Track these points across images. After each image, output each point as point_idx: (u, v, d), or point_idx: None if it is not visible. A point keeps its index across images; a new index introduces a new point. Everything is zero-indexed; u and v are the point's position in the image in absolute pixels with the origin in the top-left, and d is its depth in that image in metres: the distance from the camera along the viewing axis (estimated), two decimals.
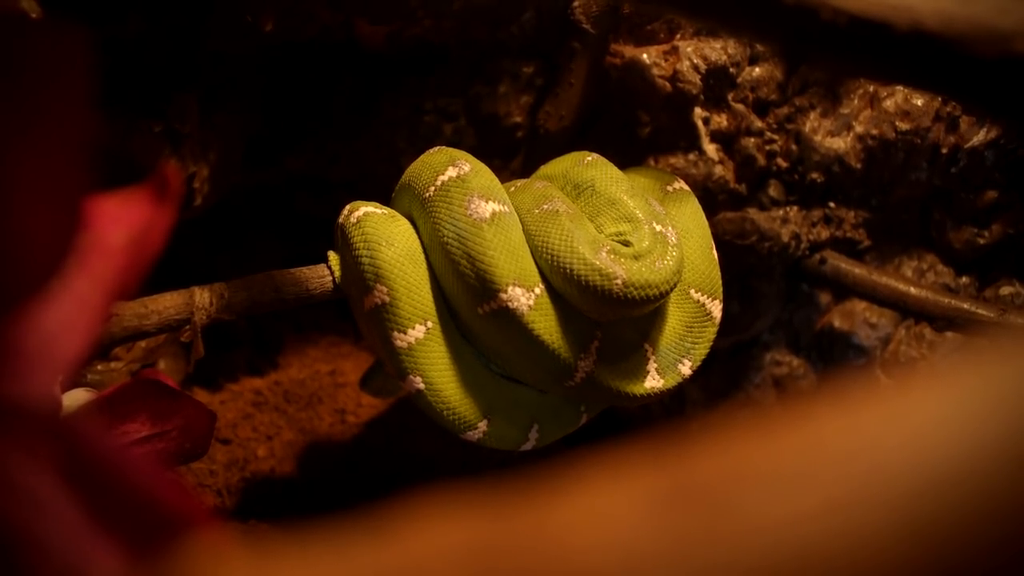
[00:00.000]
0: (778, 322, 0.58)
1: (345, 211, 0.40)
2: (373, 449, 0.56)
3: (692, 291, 0.42)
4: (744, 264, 0.52)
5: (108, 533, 0.16)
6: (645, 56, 0.49)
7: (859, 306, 0.58)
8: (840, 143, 0.51)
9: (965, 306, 0.52)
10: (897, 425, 0.13)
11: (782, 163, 0.51)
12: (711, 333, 0.42)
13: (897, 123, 0.51)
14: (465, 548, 0.13)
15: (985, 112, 0.44)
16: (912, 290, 0.53)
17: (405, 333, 0.38)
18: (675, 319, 0.42)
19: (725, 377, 0.58)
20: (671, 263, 0.38)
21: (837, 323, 0.58)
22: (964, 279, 0.56)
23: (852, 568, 0.11)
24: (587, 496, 0.13)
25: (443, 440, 0.54)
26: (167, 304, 0.36)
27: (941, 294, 0.53)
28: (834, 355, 0.58)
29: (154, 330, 0.36)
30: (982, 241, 0.55)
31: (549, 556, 0.12)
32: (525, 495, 0.13)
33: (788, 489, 0.12)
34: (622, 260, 0.37)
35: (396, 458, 0.55)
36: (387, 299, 0.38)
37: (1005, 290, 0.55)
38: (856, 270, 0.54)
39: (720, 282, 0.43)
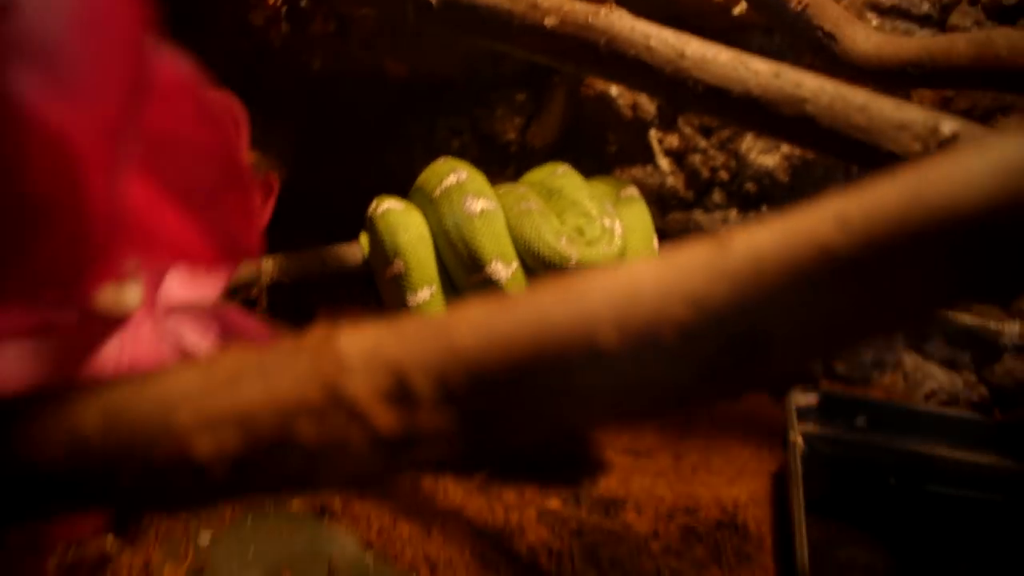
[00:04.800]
0: None
1: (373, 204, 0.53)
2: None
3: None
4: None
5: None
6: (612, 90, 0.62)
7: None
8: (770, 160, 0.64)
9: None
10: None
11: (723, 175, 0.64)
12: None
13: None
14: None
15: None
16: None
17: (416, 295, 0.51)
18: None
19: None
20: (614, 249, 0.51)
21: None
22: None
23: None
24: None
25: None
26: (241, 268, 0.50)
27: None
28: None
29: (231, 287, 0.50)
30: None
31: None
32: None
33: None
34: (577, 245, 0.50)
35: None
36: (403, 270, 0.51)
37: None
38: None
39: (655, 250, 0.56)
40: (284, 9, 0.52)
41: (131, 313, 0.27)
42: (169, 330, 0.28)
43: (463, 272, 0.51)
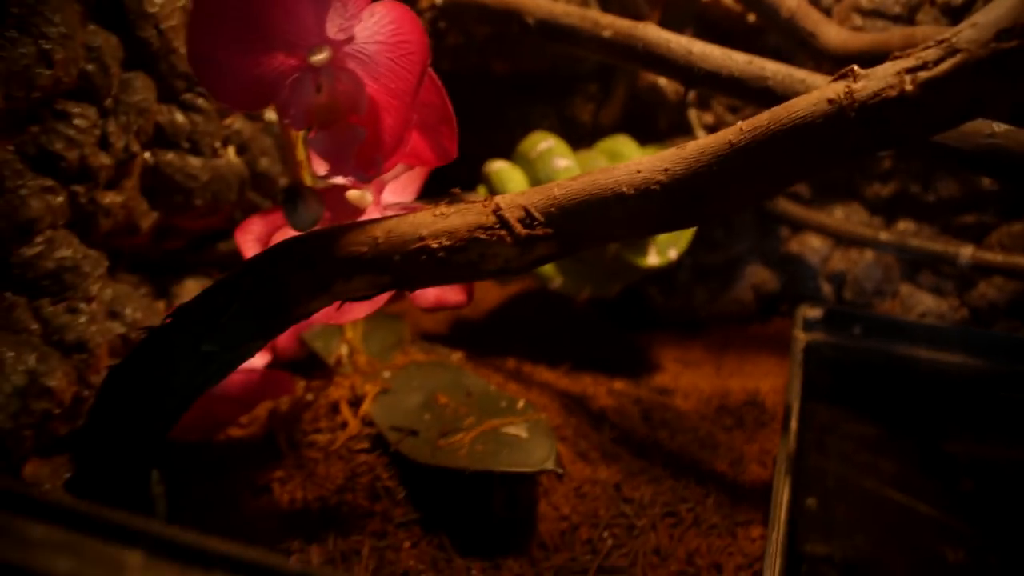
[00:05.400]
0: (754, 247, 0.89)
1: (487, 164, 0.75)
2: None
3: None
4: None
5: None
6: (661, 81, 0.82)
7: (809, 236, 0.88)
8: None
9: (876, 236, 0.82)
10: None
11: None
12: (688, 234, 0.75)
13: None
14: None
15: None
16: (841, 226, 0.84)
17: None
18: None
19: (720, 284, 0.90)
20: None
21: (794, 248, 0.89)
22: (876, 219, 0.86)
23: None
24: None
25: None
26: None
27: (860, 228, 0.83)
28: (791, 269, 0.89)
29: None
30: (884, 193, 0.85)
31: None
32: None
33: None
34: None
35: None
36: None
37: (902, 225, 0.85)
38: (800, 211, 0.85)
39: None
40: (429, 29, 0.74)
41: (367, 205, 0.49)
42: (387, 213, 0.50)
43: None
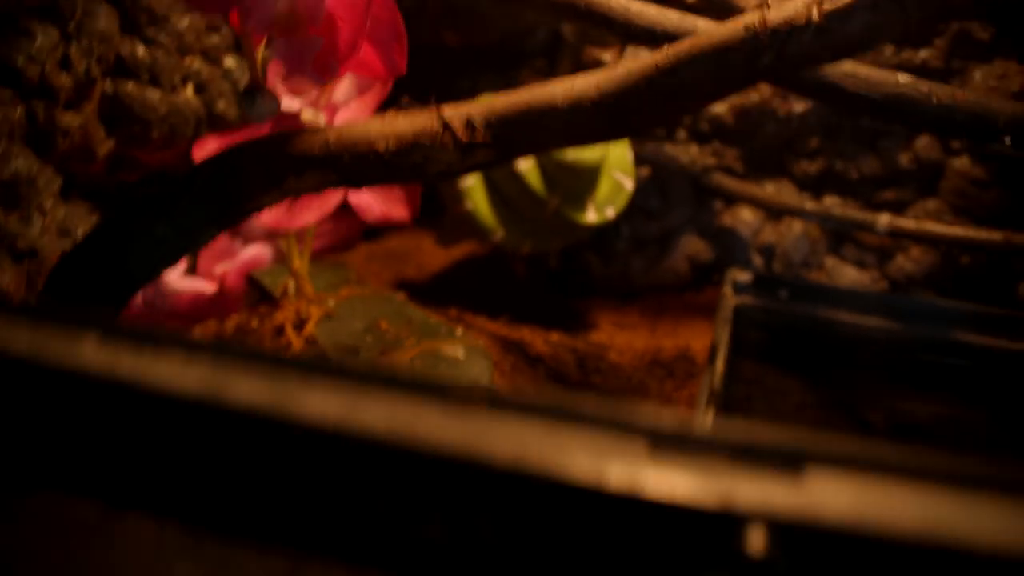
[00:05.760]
0: (691, 219, 0.93)
1: None
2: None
3: (615, 172, 0.79)
4: (662, 173, 0.89)
5: None
6: (606, 55, 0.86)
7: (742, 210, 0.93)
8: (719, 107, 0.88)
9: (803, 206, 0.87)
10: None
11: (686, 119, 0.88)
12: (626, 195, 0.79)
13: (751, 96, 0.87)
14: None
15: None
16: (771, 198, 0.89)
17: (465, 181, 0.76)
18: (605, 186, 0.79)
19: (657, 253, 0.94)
20: (599, 152, 0.75)
21: (728, 221, 0.94)
22: (804, 194, 0.91)
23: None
24: None
25: None
26: None
27: (789, 199, 0.88)
28: (724, 241, 0.93)
29: None
30: (811, 171, 0.90)
31: None
32: None
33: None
34: (574, 150, 0.75)
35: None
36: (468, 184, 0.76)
37: (828, 200, 0.90)
38: (734, 184, 0.90)
39: (632, 168, 0.80)
40: None
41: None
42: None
43: (500, 168, 0.75)
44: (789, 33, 0.42)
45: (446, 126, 0.44)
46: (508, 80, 0.89)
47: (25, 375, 0.26)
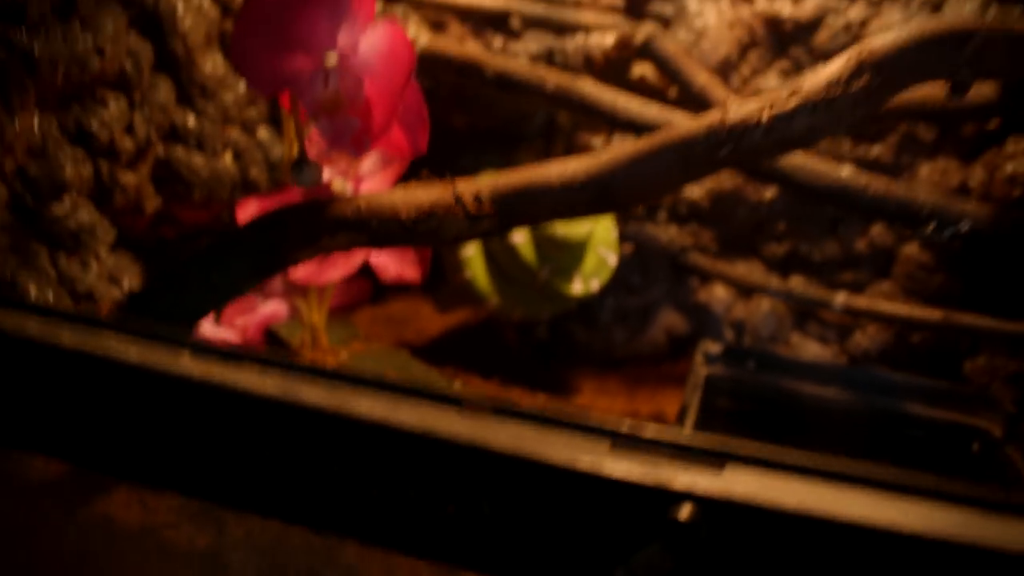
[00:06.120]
0: (669, 294, 1.02)
1: None
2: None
3: (600, 248, 0.88)
4: (644, 251, 0.98)
5: None
6: (595, 140, 0.96)
7: (716, 288, 1.02)
8: (697, 192, 0.97)
9: (769, 284, 0.96)
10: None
11: (665, 201, 0.97)
12: (610, 269, 0.88)
13: (726, 183, 0.97)
14: None
15: None
16: (742, 276, 0.98)
17: (465, 250, 0.84)
18: (591, 260, 0.87)
19: (637, 325, 1.02)
20: (586, 228, 0.84)
21: (703, 297, 1.02)
22: (772, 273, 1.00)
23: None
24: None
25: None
26: None
27: (757, 278, 0.97)
28: (700, 316, 1.02)
29: None
30: (779, 252, 0.99)
31: None
32: None
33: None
34: (563, 225, 0.83)
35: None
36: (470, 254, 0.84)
37: (793, 279, 0.99)
38: (708, 263, 0.99)
39: (616, 245, 0.89)
40: None
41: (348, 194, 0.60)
42: None
43: (497, 240, 0.84)
44: (744, 131, 0.51)
45: (458, 199, 0.52)
46: (508, 159, 0.99)
47: (136, 380, 0.33)
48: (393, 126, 0.52)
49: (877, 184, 0.62)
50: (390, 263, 0.61)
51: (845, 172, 0.62)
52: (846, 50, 0.51)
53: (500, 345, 1.02)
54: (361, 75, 0.50)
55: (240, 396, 0.32)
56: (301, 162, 0.51)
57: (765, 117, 0.50)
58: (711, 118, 0.51)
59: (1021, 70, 0.55)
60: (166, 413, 0.33)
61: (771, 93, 0.51)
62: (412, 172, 0.63)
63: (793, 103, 0.50)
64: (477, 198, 0.52)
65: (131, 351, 0.34)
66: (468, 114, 0.95)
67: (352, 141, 0.51)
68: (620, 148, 0.53)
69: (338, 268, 0.57)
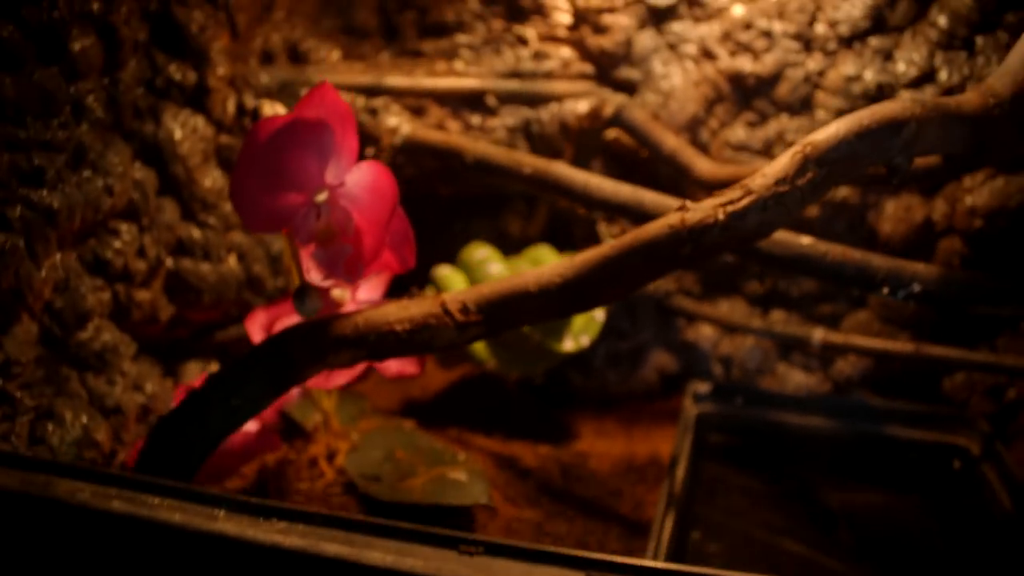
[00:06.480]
0: (658, 336, 1.07)
1: (435, 268, 0.92)
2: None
3: None
4: (631, 298, 1.04)
5: None
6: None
7: (702, 326, 1.07)
8: None
9: (750, 323, 1.01)
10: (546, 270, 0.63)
11: None
12: (597, 325, 0.93)
13: None
14: None
15: None
16: (725, 316, 1.03)
17: None
18: (580, 319, 0.93)
19: (629, 367, 1.07)
20: None
21: (690, 336, 1.08)
22: (754, 309, 1.05)
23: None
24: None
25: None
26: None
27: (739, 318, 1.02)
28: (688, 353, 1.07)
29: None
30: (760, 290, 1.04)
31: None
32: None
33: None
34: None
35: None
36: None
37: (775, 314, 1.04)
38: (693, 305, 1.04)
39: None
40: (390, 162, 0.93)
41: (347, 302, 0.65)
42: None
43: None
44: (702, 230, 0.56)
45: (446, 310, 0.57)
46: (495, 222, 1.04)
47: (175, 540, 0.39)
48: (383, 250, 0.57)
49: (835, 251, 0.67)
50: (391, 361, 0.66)
51: (805, 240, 0.67)
52: (790, 148, 0.56)
53: (501, 395, 1.07)
54: (350, 207, 0.56)
55: (267, 548, 0.37)
56: (303, 292, 0.56)
57: (721, 215, 0.55)
58: (673, 219, 0.57)
59: (956, 147, 0.60)
60: (202, 566, 0.38)
61: (726, 192, 0.56)
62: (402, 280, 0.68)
63: (745, 202, 0.55)
64: (464, 308, 0.58)
65: (173, 515, 0.39)
66: (453, 185, 1.00)
67: (346, 267, 0.56)
68: (591, 252, 0.58)
69: (343, 375, 0.62)
